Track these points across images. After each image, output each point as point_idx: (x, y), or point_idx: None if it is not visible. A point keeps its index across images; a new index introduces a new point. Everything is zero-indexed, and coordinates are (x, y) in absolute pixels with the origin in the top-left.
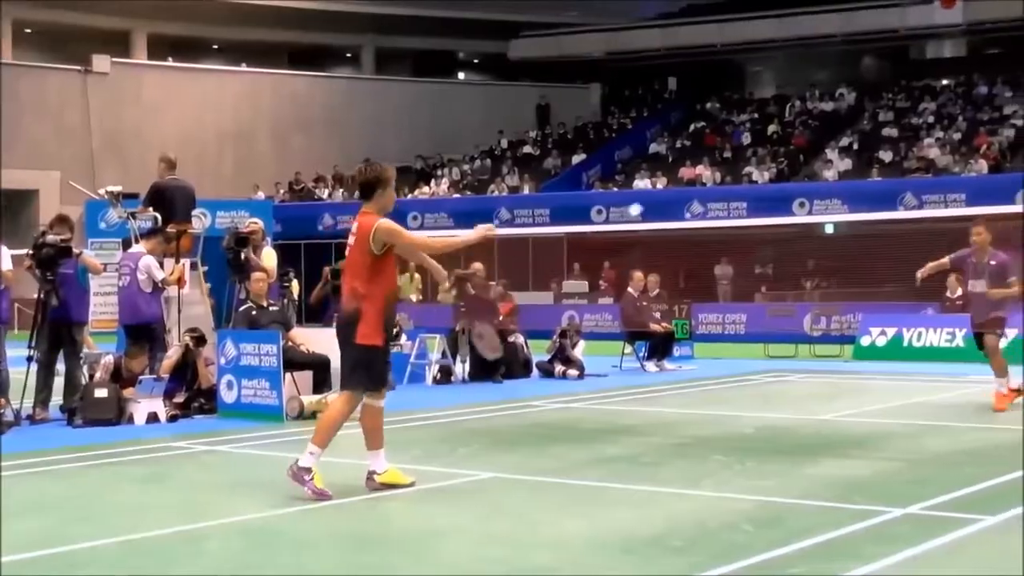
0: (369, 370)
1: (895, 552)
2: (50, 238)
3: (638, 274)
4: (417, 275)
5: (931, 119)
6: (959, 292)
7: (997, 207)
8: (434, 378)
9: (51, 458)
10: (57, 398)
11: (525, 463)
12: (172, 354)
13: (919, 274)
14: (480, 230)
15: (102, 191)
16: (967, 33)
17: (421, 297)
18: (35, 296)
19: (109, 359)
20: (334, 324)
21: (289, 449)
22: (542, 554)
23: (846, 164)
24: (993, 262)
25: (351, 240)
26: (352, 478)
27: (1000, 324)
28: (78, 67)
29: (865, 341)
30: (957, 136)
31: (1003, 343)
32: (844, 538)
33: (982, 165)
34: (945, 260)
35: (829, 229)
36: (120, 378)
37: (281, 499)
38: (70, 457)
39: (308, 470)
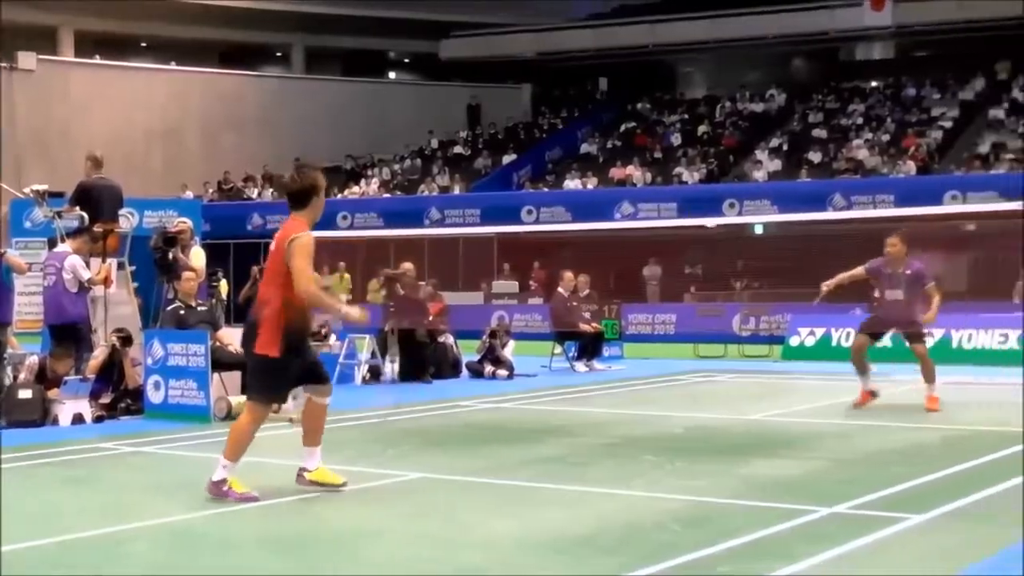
0: (262, 380)
1: (822, 551)
2: None
3: (568, 274)
4: (347, 275)
5: (860, 120)
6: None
7: (925, 208)
8: (364, 378)
9: None
10: None
11: (454, 463)
12: (98, 354)
13: (824, 286)
14: (357, 313)
15: (27, 190)
16: (896, 35)
17: (351, 297)
18: None
19: (34, 360)
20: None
21: (217, 450)
22: (471, 554)
23: (776, 165)
24: (908, 272)
25: (273, 244)
26: (280, 479)
27: (922, 332)
28: (2, 64)
29: (794, 341)
30: (886, 137)
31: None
32: (772, 537)
33: (910, 166)
34: (860, 270)
35: (759, 230)
36: (45, 379)
37: (208, 500)
38: None
39: (223, 481)
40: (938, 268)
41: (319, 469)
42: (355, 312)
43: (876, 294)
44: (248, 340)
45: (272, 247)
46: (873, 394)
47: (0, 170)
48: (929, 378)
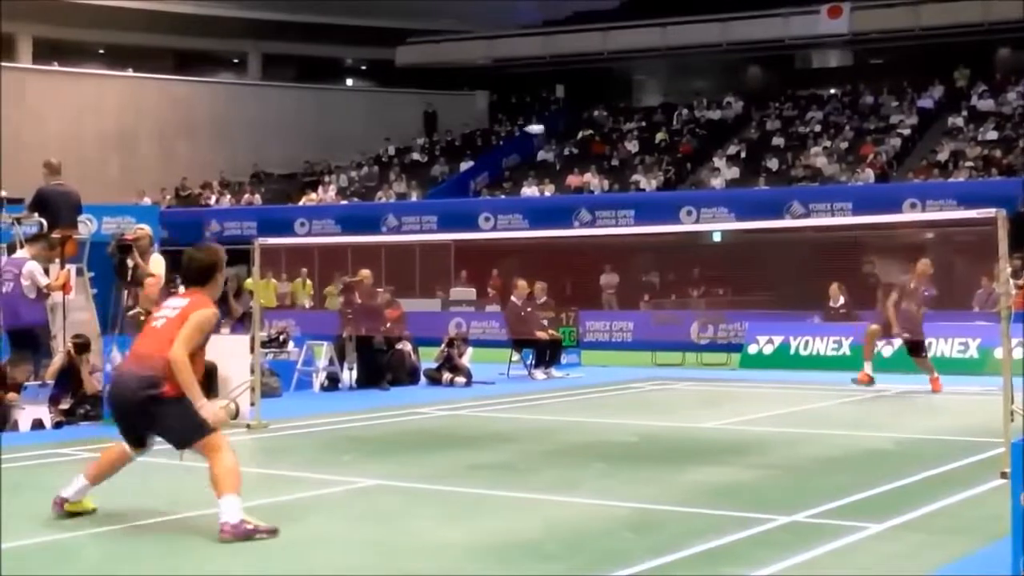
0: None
1: (776, 560)
2: None
3: (522, 282)
4: (309, 281)
5: (818, 128)
6: (841, 300)
7: (884, 216)
8: (321, 385)
9: None
10: None
11: (406, 470)
12: (56, 360)
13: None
14: (218, 414)
15: None
16: (852, 43)
17: (313, 304)
18: None
19: None
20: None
21: (173, 455)
22: (418, 561)
23: (733, 172)
24: (927, 292)
25: (172, 312)
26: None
27: (923, 345)
28: None
29: (752, 349)
30: (844, 145)
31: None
32: (725, 546)
33: (869, 174)
34: (891, 299)
35: (716, 237)
36: (4, 384)
37: (155, 508)
38: None
39: (245, 521)
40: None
41: (82, 501)
42: (211, 412)
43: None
44: (153, 397)
45: (171, 313)
46: (872, 379)
47: None
48: (931, 372)
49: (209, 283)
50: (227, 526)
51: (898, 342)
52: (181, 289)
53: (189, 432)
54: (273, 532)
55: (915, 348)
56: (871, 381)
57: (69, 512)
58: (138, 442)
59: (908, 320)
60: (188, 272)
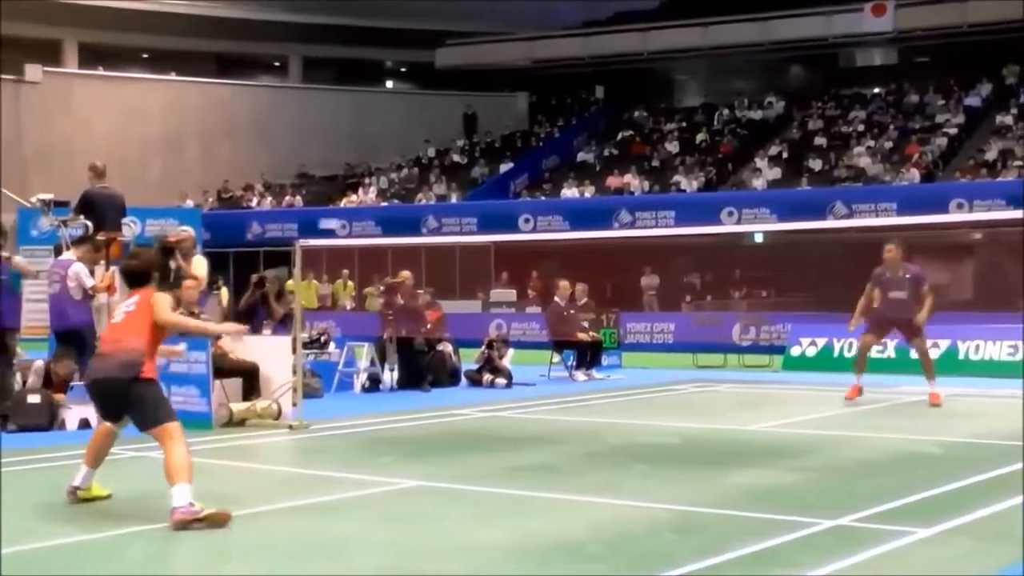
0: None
1: (821, 564)
2: None
3: (564, 283)
4: (351, 282)
5: (861, 127)
6: None
7: (930, 216)
8: (363, 386)
9: None
10: None
11: (446, 471)
12: None
13: (851, 326)
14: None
15: (34, 199)
16: (897, 41)
17: (354, 304)
18: None
19: (39, 364)
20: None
21: (217, 456)
22: (458, 562)
23: (775, 173)
24: (909, 275)
25: (131, 307)
26: (272, 485)
27: (920, 328)
28: (10, 76)
29: (795, 351)
30: (888, 145)
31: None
32: (770, 549)
33: (913, 174)
34: (868, 288)
35: (758, 238)
36: (51, 383)
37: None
38: None
39: (193, 504)
40: (943, 278)
41: (92, 486)
42: (228, 327)
43: (878, 297)
44: (131, 379)
45: (133, 309)
46: (861, 391)
47: (0, 179)
48: (930, 375)
49: (148, 284)
50: (178, 511)
51: (876, 346)
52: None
53: (153, 416)
54: (222, 520)
55: (912, 331)
56: (860, 393)
57: (83, 499)
58: (116, 417)
59: (904, 310)
60: (127, 275)
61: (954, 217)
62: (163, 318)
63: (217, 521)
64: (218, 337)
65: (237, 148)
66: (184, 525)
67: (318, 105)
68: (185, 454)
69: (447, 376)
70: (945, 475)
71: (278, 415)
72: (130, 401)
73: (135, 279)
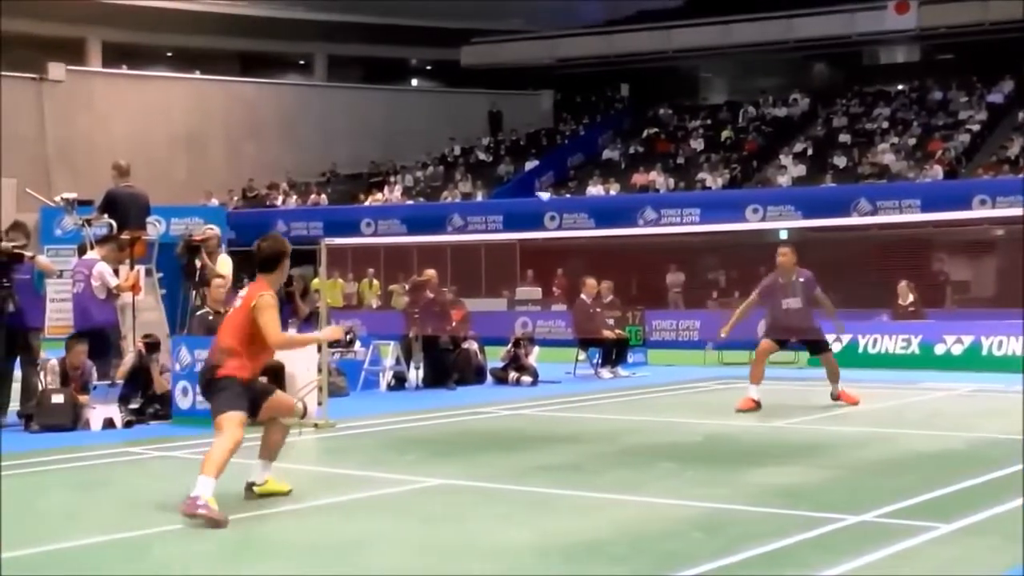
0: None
1: (843, 561)
2: (4, 245)
3: (591, 281)
4: (376, 281)
5: (885, 125)
6: (910, 298)
7: (953, 213)
8: (388, 384)
9: (5, 463)
10: (15, 404)
11: (471, 470)
12: (126, 360)
13: (723, 332)
14: (331, 331)
15: (57, 198)
16: (920, 38)
17: (380, 303)
18: None
19: (54, 362)
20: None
21: (242, 455)
22: (483, 561)
23: (799, 170)
24: (802, 279)
25: (238, 303)
26: (300, 485)
27: (826, 341)
28: (33, 75)
29: None
30: (911, 142)
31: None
32: (791, 546)
33: (937, 171)
34: (753, 296)
35: (783, 235)
36: (67, 378)
37: (223, 507)
38: (24, 463)
39: (206, 504)
40: (966, 274)
41: (267, 481)
42: (330, 331)
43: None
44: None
45: (238, 305)
46: (758, 404)
47: (24, 178)
48: (834, 378)
49: (275, 270)
50: (186, 502)
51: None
52: (244, 291)
53: (218, 406)
54: (218, 523)
55: (816, 347)
56: (757, 407)
57: (260, 494)
58: (252, 413)
59: (803, 318)
60: (260, 261)
61: (977, 213)
62: (274, 340)
63: (212, 523)
64: None
65: (262, 147)
66: (187, 516)
67: (343, 103)
68: (222, 449)
69: (472, 374)
70: (966, 472)
71: (303, 414)
72: (208, 394)
73: (260, 265)
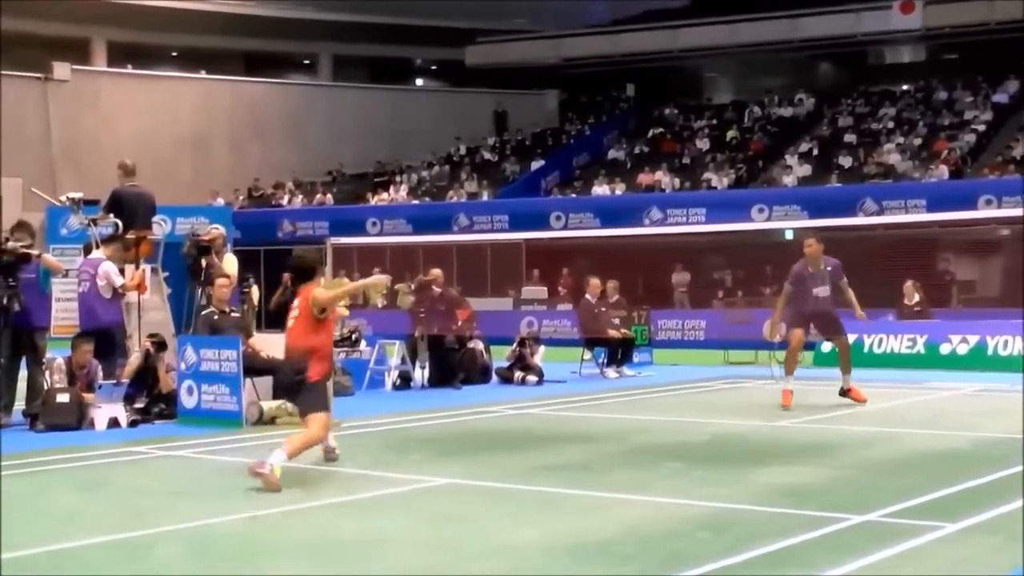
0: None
1: (848, 560)
2: (10, 244)
3: (595, 280)
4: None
5: (891, 124)
6: (916, 298)
7: (958, 213)
8: (393, 384)
9: (9, 463)
10: (20, 403)
11: (477, 469)
12: (133, 359)
13: (777, 336)
14: (377, 279)
15: (63, 197)
16: (926, 38)
17: (385, 302)
18: None
19: (60, 361)
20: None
21: (247, 454)
22: (490, 561)
23: (805, 170)
24: (829, 268)
25: (295, 312)
26: (310, 484)
27: (841, 322)
28: (38, 75)
29: (826, 347)
30: (917, 142)
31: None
32: (797, 546)
33: (943, 171)
34: (786, 288)
35: (788, 235)
36: (73, 377)
37: (227, 506)
38: (28, 462)
39: (271, 473)
40: (972, 274)
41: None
42: (375, 279)
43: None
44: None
45: (296, 314)
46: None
47: (29, 177)
48: (846, 368)
49: (314, 279)
50: (261, 463)
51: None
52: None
53: (308, 405)
54: (273, 487)
55: (835, 328)
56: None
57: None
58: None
59: (826, 303)
60: (298, 271)
61: (983, 213)
62: (320, 299)
63: (269, 486)
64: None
65: (268, 146)
66: (253, 474)
67: (349, 103)
68: (305, 440)
69: (478, 374)
70: (972, 472)
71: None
72: (297, 397)
73: (300, 275)
